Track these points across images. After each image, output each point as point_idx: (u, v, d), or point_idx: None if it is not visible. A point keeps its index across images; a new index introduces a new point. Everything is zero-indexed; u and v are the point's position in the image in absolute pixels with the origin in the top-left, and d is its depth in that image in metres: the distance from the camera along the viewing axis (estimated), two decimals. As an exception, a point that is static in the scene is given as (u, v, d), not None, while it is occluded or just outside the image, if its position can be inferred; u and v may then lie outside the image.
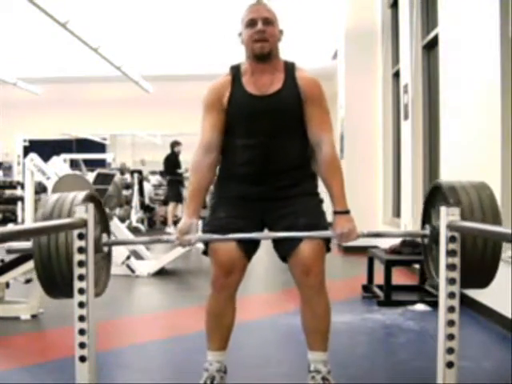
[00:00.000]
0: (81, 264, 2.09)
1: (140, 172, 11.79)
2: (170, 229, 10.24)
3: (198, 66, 12.15)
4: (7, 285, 4.10)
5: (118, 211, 9.92)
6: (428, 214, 2.42)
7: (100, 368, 2.34)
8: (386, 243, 5.37)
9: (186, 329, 3.80)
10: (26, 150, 11.69)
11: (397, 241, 4.92)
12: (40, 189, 8.61)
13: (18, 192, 10.66)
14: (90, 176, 6.98)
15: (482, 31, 3.96)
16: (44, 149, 8.81)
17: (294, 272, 2.42)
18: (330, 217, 2.44)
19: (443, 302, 2.06)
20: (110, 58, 10.39)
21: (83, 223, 2.07)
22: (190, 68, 12.62)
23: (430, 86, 5.78)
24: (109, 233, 2.43)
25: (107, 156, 15.17)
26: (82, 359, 2.10)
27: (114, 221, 6.48)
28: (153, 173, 13.81)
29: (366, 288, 4.84)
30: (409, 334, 3.65)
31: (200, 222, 2.44)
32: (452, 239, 2.04)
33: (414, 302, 4.34)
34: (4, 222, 10.19)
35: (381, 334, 3.76)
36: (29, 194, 6.06)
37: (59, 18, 7.69)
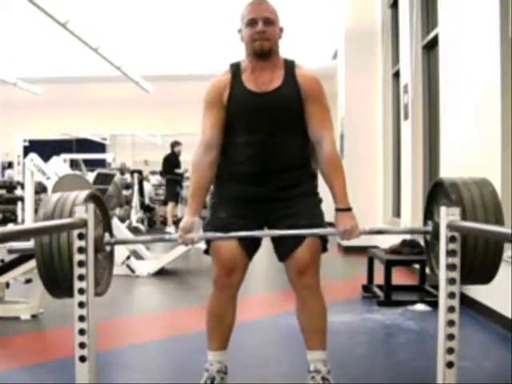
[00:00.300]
0: (81, 264, 2.09)
1: (140, 172, 11.79)
2: (170, 229, 10.24)
3: (198, 66, 12.15)
4: (7, 285, 4.10)
5: (117, 211, 9.92)
6: (430, 210, 2.43)
7: (100, 368, 2.34)
8: (386, 243, 5.37)
9: (186, 329, 3.80)
10: (26, 150, 11.69)
11: (397, 241, 4.93)
12: (40, 189, 8.61)
13: (18, 192, 10.65)
14: (90, 176, 6.99)
15: (481, 31, 3.96)
16: (44, 149, 8.81)
17: (290, 272, 2.43)
18: (330, 216, 2.44)
19: (443, 301, 2.06)
20: (110, 58, 10.39)
21: (83, 223, 2.07)
22: (190, 68, 12.63)
23: (430, 86, 5.78)
24: (111, 232, 2.43)
25: (107, 156, 15.17)
26: (82, 359, 2.10)
27: (114, 221, 6.48)
28: (153, 173, 13.81)
29: (366, 288, 4.84)
30: (409, 333, 3.65)
31: (201, 222, 2.44)
32: (452, 239, 2.04)
33: (413, 302, 4.34)
34: (4, 221, 10.19)
35: (381, 333, 3.76)
36: (29, 194, 6.06)
37: (59, 18, 7.70)
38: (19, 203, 10.16)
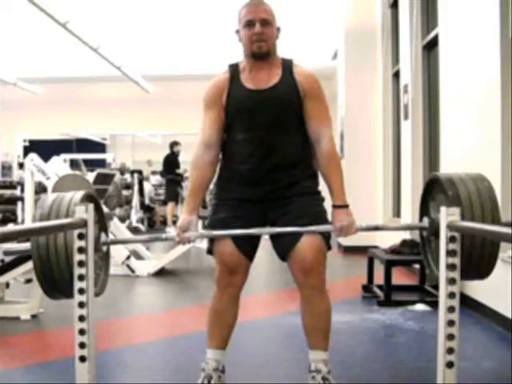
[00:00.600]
0: (81, 264, 2.09)
1: (140, 172, 11.79)
2: (170, 229, 10.25)
3: (198, 66, 12.15)
4: (7, 285, 4.10)
5: (117, 211, 9.93)
6: (426, 206, 2.43)
7: (100, 368, 2.34)
8: (386, 243, 5.38)
9: (185, 329, 3.80)
10: (26, 150, 11.69)
11: (397, 241, 4.93)
12: (40, 189, 8.61)
13: (18, 192, 10.65)
14: (90, 176, 6.99)
15: (481, 31, 3.96)
16: (44, 149, 8.80)
17: (294, 272, 2.42)
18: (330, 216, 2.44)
19: (443, 301, 2.06)
20: (110, 58, 10.39)
21: (83, 223, 2.07)
22: (190, 68, 12.62)
23: (429, 86, 5.78)
24: (106, 232, 2.44)
25: (107, 156, 15.18)
26: (82, 359, 2.10)
27: (114, 221, 6.48)
28: (153, 173, 13.82)
29: (366, 288, 4.84)
30: (409, 333, 3.65)
31: (200, 222, 2.44)
32: (452, 239, 2.04)
33: (414, 302, 4.34)
34: (4, 222, 10.18)
35: (381, 334, 3.76)
36: (29, 194, 6.06)
37: (59, 18, 7.69)
38: (19, 203, 10.15)
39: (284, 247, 2.41)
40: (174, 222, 10.63)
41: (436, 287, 3.25)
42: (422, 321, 3.91)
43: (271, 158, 2.39)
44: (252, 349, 3.32)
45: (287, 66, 2.43)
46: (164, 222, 11.87)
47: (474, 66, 4.12)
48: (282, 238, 2.41)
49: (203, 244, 6.03)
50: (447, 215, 2.04)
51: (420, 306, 4.27)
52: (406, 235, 5.37)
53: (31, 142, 14.42)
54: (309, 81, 2.41)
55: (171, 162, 11.11)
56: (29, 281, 4.07)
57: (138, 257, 6.51)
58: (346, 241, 7.49)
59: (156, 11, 8.75)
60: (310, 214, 2.41)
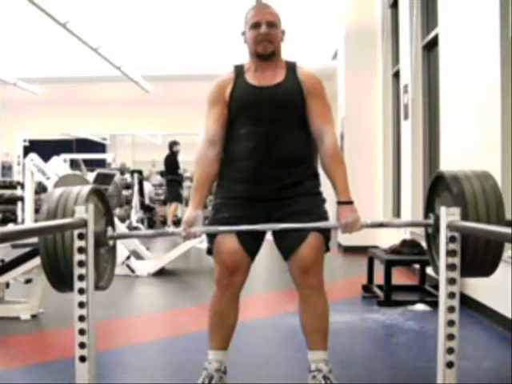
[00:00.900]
0: (81, 264, 2.09)
1: (140, 172, 11.80)
2: (170, 229, 10.24)
3: (198, 66, 12.15)
4: (7, 285, 4.10)
5: (117, 211, 9.93)
6: (431, 203, 2.44)
7: (100, 368, 2.34)
8: (386, 243, 5.38)
9: (185, 329, 3.80)
10: (26, 150, 11.69)
11: (397, 241, 4.93)
12: (40, 189, 8.61)
13: (18, 192, 10.65)
14: (90, 176, 7.00)
15: (481, 31, 3.96)
16: (44, 149, 8.81)
17: (293, 272, 2.43)
18: (331, 218, 2.44)
19: (443, 301, 2.06)
20: (110, 58, 10.39)
21: (83, 223, 2.08)
22: (190, 68, 12.62)
23: (429, 86, 5.78)
24: (113, 226, 2.44)
25: (107, 156, 15.19)
26: (82, 359, 2.10)
27: (114, 221, 6.47)
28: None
29: (366, 288, 4.84)
30: (409, 333, 3.65)
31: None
32: (452, 239, 2.04)
33: (414, 302, 4.34)
34: (4, 222, 10.19)
35: (381, 334, 3.76)
36: (29, 193, 6.06)
37: (59, 18, 7.69)
38: (19, 203, 10.16)
39: (288, 247, 2.41)
40: (174, 222, 10.63)
41: (436, 287, 3.24)
42: (422, 321, 3.91)
43: (273, 154, 2.39)
44: (252, 349, 3.32)
45: (291, 67, 2.48)
46: (164, 222, 11.87)
47: (474, 65, 4.12)
48: (286, 238, 2.41)
49: (203, 244, 6.03)
50: (447, 215, 2.04)
51: (420, 306, 4.27)
52: (406, 235, 5.38)
53: (31, 141, 14.42)
54: (312, 81, 2.45)
55: (172, 163, 11.11)
56: (29, 281, 4.07)
57: (138, 257, 6.51)
58: (346, 241, 7.50)
59: (156, 11, 8.75)
60: (315, 215, 2.41)
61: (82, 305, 2.10)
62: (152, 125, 14.76)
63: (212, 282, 2.51)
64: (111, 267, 2.45)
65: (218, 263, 2.44)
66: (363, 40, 7.67)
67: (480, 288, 3.97)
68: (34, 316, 3.97)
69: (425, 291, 4.67)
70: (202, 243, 6.22)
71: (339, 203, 2.40)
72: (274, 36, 2.40)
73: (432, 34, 5.45)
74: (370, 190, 7.64)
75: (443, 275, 2.06)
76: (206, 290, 2.52)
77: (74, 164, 12.40)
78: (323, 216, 2.45)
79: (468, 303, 3.98)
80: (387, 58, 7.39)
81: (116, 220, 6.64)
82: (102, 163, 14.40)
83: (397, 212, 7.24)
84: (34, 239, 2.25)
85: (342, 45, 8.09)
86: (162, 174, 12.42)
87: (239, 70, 2.48)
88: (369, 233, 6.39)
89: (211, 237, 2.47)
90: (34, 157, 5.83)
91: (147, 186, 12.37)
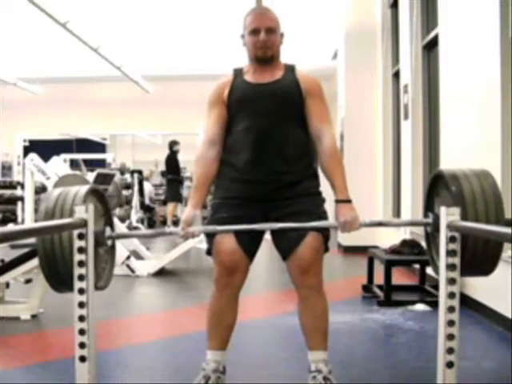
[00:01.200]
0: (81, 264, 2.09)
1: (140, 172, 11.80)
2: (170, 229, 10.24)
3: (198, 66, 12.15)
4: (7, 285, 4.10)
5: (117, 211, 9.92)
6: (431, 202, 2.44)
7: (100, 368, 2.34)
8: (386, 243, 5.38)
9: (185, 329, 3.80)
10: (26, 150, 11.69)
11: (397, 241, 4.93)
12: (40, 189, 8.61)
13: (18, 192, 10.65)
14: (90, 176, 7.00)
15: (481, 31, 3.96)
16: (44, 149, 8.81)
17: (292, 272, 2.43)
18: (331, 218, 2.43)
19: (443, 301, 2.06)
20: (110, 58, 10.39)
21: (83, 223, 2.08)
22: (190, 68, 12.62)
23: (429, 86, 5.78)
24: (112, 226, 2.44)
25: (107, 156, 15.19)
26: (82, 359, 2.10)
27: (114, 221, 6.47)
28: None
29: (366, 288, 4.84)
30: (409, 333, 3.65)
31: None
32: (452, 239, 2.04)
33: (414, 302, 4.34)
34: (4, 222, 10.18)
35: (381, 334, 3.76)
36: (29, 193, 6.06)
37: (59, 18, 7.69)
38: (19, 203, 10.16)
39: (287, 248, 2.41)
40: (174, 222, 10.62)
41: (436, 287, 3.24)
42: (422, 321, 3.91)
43: (270, 147, 2.40)
44: (251, 349, 3.33)
45: (290, 68, 2.51)
46: (164, 222, 11.87)
47: (474, 66, 4.12)
48: (285, 239, 2.41)
49: (203, 244, 6.03)
50: (447, 215, 2.04)
51: (420, 306, 4.27)
52: (406, 235, 5.38)
53: (31, 141, 14.43)
54: (310, 82, 2.48)
55: (172, 162, 11.13)
56: (29, 281, 4.07)
57: (138, 257, 6.51)
58: (346, 241, 7.50)
59: (156, 11, 8.75)
60: (314, 215, 2.41)
61: (81, 305, 2.10)
62: (152, 125, 14.76)
63: (212, 282, 2.52)
64: (110, 267, 2.45)
65: (217, 263, 2.44)
66: (363, 40, 7.67)
67: (480, 288, 3.97)
68: (34, 316, 3.97)
69: (425, 291, 4.67)
70: (201, 243, 6.22)
71: (338, 201, 2.40)
72: (272, 42, 2.43)
73: (432, 34, 5.45)
74: (370, 189, 7.64)
75: (443, 275, 2.06)
76: (206, 290, 2.52)
77: (73, 164, 12.40)
78: (323, 216, 2.44)
79: (468, 303, 3.98)
80: (387, 58, 7.39)
81: (116, 220, 6.67)
82: (102, 163, 14.40)
83: (397, 212, 7.24)
84: (33, 239, 2.25)
85: (342, 45, 8.09)
86: (162, 173, 12.42)
87: (238, 73, 2.51)
88: (369, 233, 6.43)
89: (210, 237, 2.47)
90: (34, 157, 5.83)
91: (147, 186, 12.37)
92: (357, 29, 7.70)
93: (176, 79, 13.47)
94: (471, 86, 4.20)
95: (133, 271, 5.79)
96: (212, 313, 2.50)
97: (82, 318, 2.10)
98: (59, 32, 8.32)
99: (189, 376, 2.58)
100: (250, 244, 2.44)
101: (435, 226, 2.32)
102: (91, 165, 12.42)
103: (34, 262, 3.82)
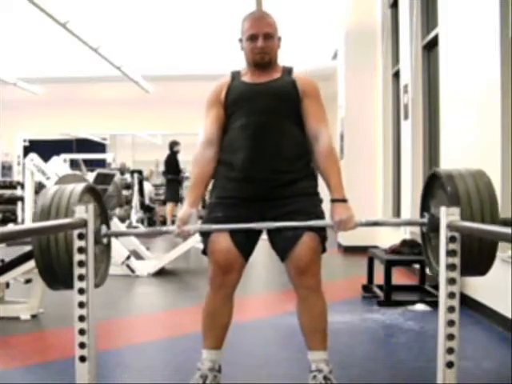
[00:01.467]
0: (81, 264, 2.09)
1: (140, 172, 11.80)
2: (165, 227, 10.23)
3: (198, 66, 12.15)
4: (7, 285, 4.10)
5: (117, 211, 9.91)
6: (426, 202, 2.44)
7: (100, 368, 2.34)
8: (386, 243, 5.38)
9: (185, 329, 3.80)
10: (26, 150, 11.69)
11: (397, 241, 4.93)
12: (40, 189, 8.61)
13: (18, 192, 10.65)
14: (90, 176, 6.99)
15: (481, 31, 3.96)
16: (44, 149, 8.81)
17: (291, 272, 2.43)
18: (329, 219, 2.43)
19: (443, 301, 2.06)
20: (110, 58, 10.39)
21: (83, 223, 2.08)
22: (190, 68, 12.62)
23: (429, 86, 5.78)
24: (108, 224, 2.44)
25: (107, 156, 15.18)
26: (82, 359, 2.10)
27: (114, 221, 6.48)
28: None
29: (366, 288, 4.84)
30: (409, 333, 3.65)
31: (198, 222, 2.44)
32: (452, 239, 2.04)
33: (414, 302, 4.34)
34: (4, 221, 10.18)
35: (381, 334, 3.76)
36: (29, 193, 6.06)
37: (59, 18, 7.69)
38: (19, 203, 10.16)
39: (283, 248, 2.42)
40: (174, 222, 10.62)
41: (436, 287, 3.24)
42: (422, 321, 3.91)
43: (267, 144, 2.40)
44: (251, 348, 3.32)
45: (287, 70, 2.53)
46: (164, 222, 11.87)
47: (474, 66, 4.12)
48: (281, 239, 2.41)
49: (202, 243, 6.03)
50: (447, 215, 2.04)
51: (420, 306, 4.27)
52: (406, 235, 5.38)
53: (31, 141, 14.43)
54: (307, 83, 2.50)
55: (172, 162, 11.13)
56: (29, 281, 4.07)
57: (138, 257, 6.51)
58: (346, 241, 7.50)
59: (156, 11, 8.75)
60: (312, 215, 2.41)
61: (82, 305, 2.10)
62: (152, 125, 14.76)
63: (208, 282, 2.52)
64: (106, 265, 2.46)
65: (212, 262, 2.45)
66: (363, 40, 7.67)
67: (480, 288, 3.97)
68: (33, 316, 3.97)
69: (425, 291, 4.67)
70: (201, 243, 6.22)
71: (333, 201, 2.41)
72: (270, 48, 2.45)
73: (432, 34, 5.45)
74: (370, 189, 7.64)
75: (443, 275, 2.06)
76: (206, 290, 2.52)
77: (74, 164, 12.39)
78: (320, 216, 2.44)
79: (468, 303, 3.98)
80: (387, 58, 7.39)
81: (116, 220, 6.67)
82: (102, 163, 14.40)
83: (397, 212, 7.24)
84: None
85: (342, 45, 8.09)
86: (163, 173, 12.42)
87: (235, 75, 2.54)
88: (369, 233, 6.44)
89: (205, 236, 2.48)
90: (33, 157, 5.83)
91: (147, 186, 12.37)
92: (357, 29, 7.70)
93: (176, 79, 13.47)
94: (471, 85, 4.20)
95: (133, 271, 5.79)
96: (207, 312, 2.51)
97: (81, 318, 2.10)
98: (59, 32, 8.33)
99: (188, 376, 2.58)
100: (245, 244, 2.44)
101: (431, 225, 2.33)
102: (91, 165, 12.41)
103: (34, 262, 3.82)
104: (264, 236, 2.48)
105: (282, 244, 2.41)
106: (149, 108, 14.19)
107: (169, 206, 11.17)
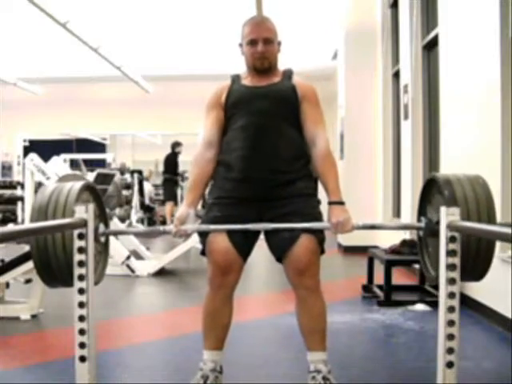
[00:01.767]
0: (81, 264, 2.09)
1: (140, 172, 11.79)
2: (163, 227, 10.22)
3: (198, 66, 12.15)
4: (7, 285, 4.10)
5: (117, 211, 9.92)
6: (424, 206, 2.45)
7: (100, 368, 2.34)
8: (386, 243, 5.38)
9: (185, 329, 3.80)
10: (26, 150, 11.69)
11: (397, 241, 4.93)
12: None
13: (18, 192, 10.65)
14: (90, 176, 6.99)
15: (481, 31, 3.96)
16: (44, 149, 8.80)
17: (289, 273, 2.44)
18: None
19: (443, 301, 2.06)
20: (110, 58, 10.39)
21: (83, 223, 2.08)
22: (190, 68, 12.62)
23: (429, 86, 5.78)
24: (106, 223, 2.45)
25: (107, 156, 15.18)
26: (82, 359, 2.10)
27: (114, 221, 6.48)
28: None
29: (366, 288, 4.84)
30: (409, 333, 3.65)
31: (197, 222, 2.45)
32: (452, 239, 2.04)
33: (414, 302, 4.35)
34: (4, 221, 10.18)
35: (381, 334, 3.76)
36: (29, 193, 6.06)
37: (59, 18, 7.69)
38: (19, 203, 10.15)
39: (280, 248, 2.42)
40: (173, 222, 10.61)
41: (436, 287, 3.24)
42: (421, 321, 3.91)
43: (266, 146, 2.41)
44: (251, 348, 3.32)
45: (287, 74, 2.55)
46: (164, 222, 11.87)
47: (474, 66, 4.12)
48: (278, 240, 2.42)
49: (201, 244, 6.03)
50: (447, 215, 2.04)
51: (420, 306, 4.27)
52: (406, 235, 5.38)
53: (31, 141, 14.42)
54: (306, 87, 2.52)
55: (171, 162, 11.13)
56: (29, 281, 4.07)
57: (138, 257, 6.51)
58: (346, 241, 7.50)
59: (156, 11, 8.75)
60: (309, 216, 2.41)
61: (82, 305, 2.10)
62: (152, 125, 14.75)
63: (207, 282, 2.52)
64: (103, 264, 2.46)
65: (211, 263, 2.45)
66: (363, 40, 7.67)
67: (480, 288, 3.97)
68: (33, 316, 3.97)
69: (425, 291, 4.67)
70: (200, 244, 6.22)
71: (330, 203, 2.41)
72: (270, 52, 2.47)
73: (432, 34, 5.45)
74: (370, 190, 7.64)
75: (443, 275, 2.06)
76: (206, 290, 2.52)
77: (74, 164, 12.39)
78: (318, 217, 2.45)
79: (468, 303, 3.98)
80: (387, 58, 7.39)
81: (116, 220, 6.67)
82: (102, 163, 14.39)
83: (397, 212, 7.24)
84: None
85: (342, 45, 8.09)
86: (162, 173, 12.43)
87: (236, 79, 2.56)
88: (369, 233, 6.40)
89: (203, 237, 2.48)
90: (33, 157, 5.83)
91: (147, 186, 12.37)
92: (357, 29, 7.70)
93: (176, 79, 13.47)
94: (471, 86, 4.20)
95: (133, 271, 5.79)
96: (207, 313, 2.51)
97: (81, 318, 2.10)
98: (59, 32, 8.33)
99: (188, 376, 2.58)
100: (243, 244, 2.44)
101: (427, 230, 2.33)
102: (91, 165, 12.41)
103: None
104: (262, 236, 2.49)
105: (279, 244, 2.42)
106: (149, 108, 14.19)
107: (168, 205, 11.18)
